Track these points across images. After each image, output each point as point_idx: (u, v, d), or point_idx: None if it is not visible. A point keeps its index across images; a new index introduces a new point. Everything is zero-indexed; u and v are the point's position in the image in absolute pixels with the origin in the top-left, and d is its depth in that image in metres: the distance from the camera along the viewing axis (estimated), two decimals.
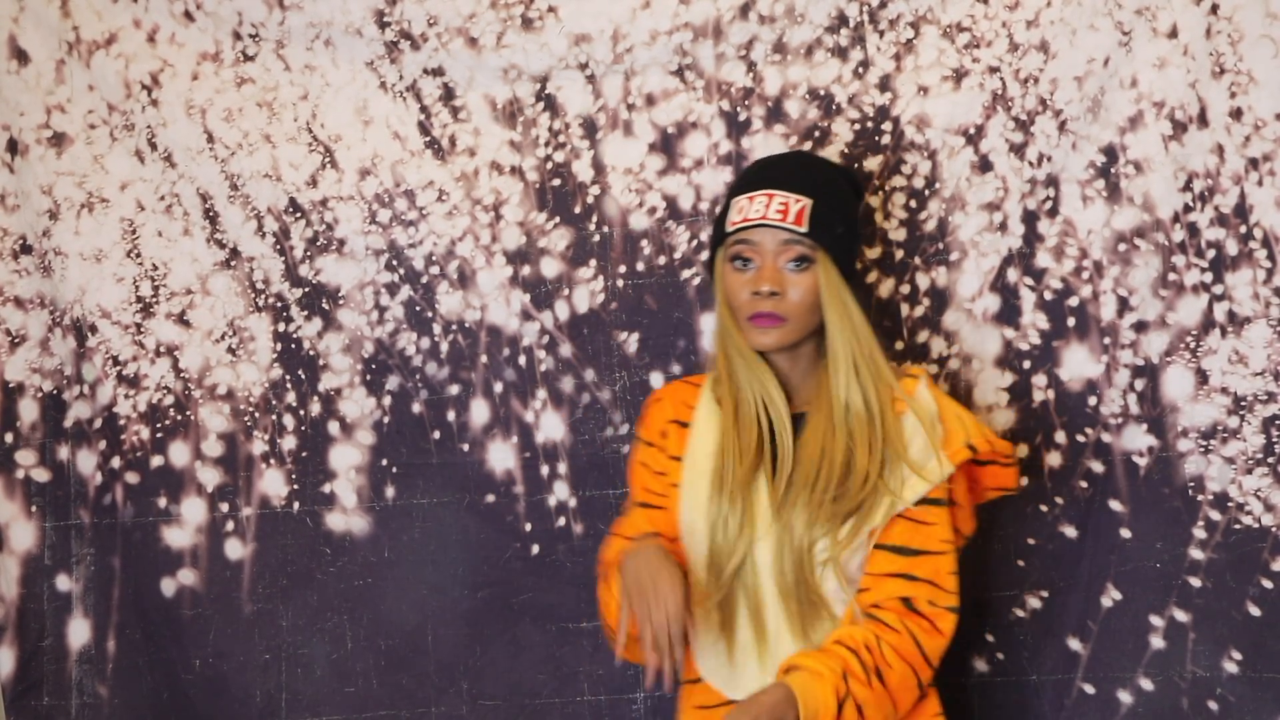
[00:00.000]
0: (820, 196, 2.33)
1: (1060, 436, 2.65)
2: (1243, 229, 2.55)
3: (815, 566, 2.29)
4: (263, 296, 2.81)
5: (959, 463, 2.34)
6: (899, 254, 2.68)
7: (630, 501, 2.47)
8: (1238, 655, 2.60)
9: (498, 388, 2.77)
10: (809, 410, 2.36)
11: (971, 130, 2.65)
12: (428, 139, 2.77)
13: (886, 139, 2.67)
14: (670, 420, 2.45)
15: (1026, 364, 2.65)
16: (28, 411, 2.85)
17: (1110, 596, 2.64)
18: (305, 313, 2.79)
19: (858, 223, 2.44)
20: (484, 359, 2.77)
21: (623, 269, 2.75)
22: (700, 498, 2.35)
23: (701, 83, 2.71)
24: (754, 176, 2.40)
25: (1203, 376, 2.58)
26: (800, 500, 2.30)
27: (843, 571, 2.29)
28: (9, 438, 2.85)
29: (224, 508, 2.82)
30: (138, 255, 2.83)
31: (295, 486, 2.81)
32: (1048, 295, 2.64)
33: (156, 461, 2.83)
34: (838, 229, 2.35)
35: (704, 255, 2.68)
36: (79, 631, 2.84)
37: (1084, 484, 2.64)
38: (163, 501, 2.82)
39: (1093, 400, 2.63)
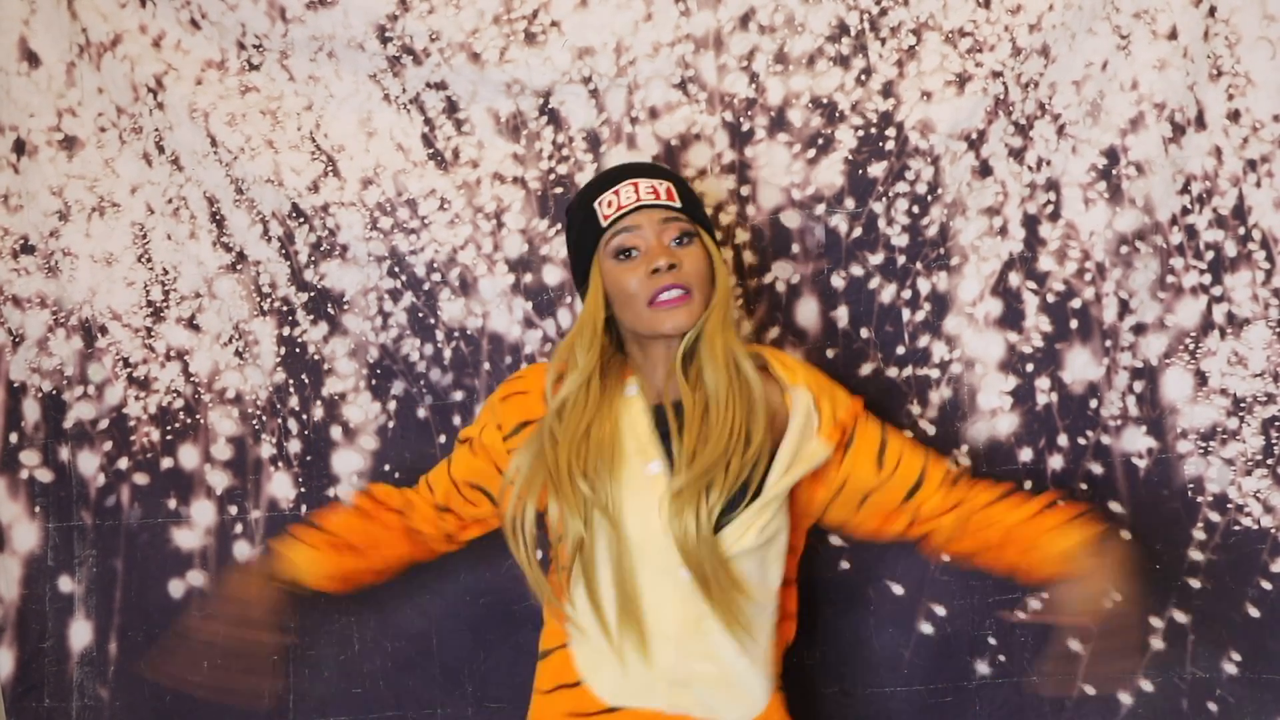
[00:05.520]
0: (677, 181, 2.31)
1: (1063, 440, 2.66)
2: (1241, 231, 2.58)
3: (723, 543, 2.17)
4: (269, 300, 2.80)
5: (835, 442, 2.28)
6: (900, 259, 2.69)
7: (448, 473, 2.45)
8: (1237, 656, 2.62)
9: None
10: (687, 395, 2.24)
11: (974, 135, 2.65)
12: (431, 151, 2.75)
13: (891, 144, 2.68)
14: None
15: (1030, 367, 2.67)
16: (31, 411, 2.83)
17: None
18: (311, 317, 2.78)
19: None
20: (486, 366, 2.76)
21: None
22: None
23: (704, 95, 2.71)
24: (606, 177, 2.32)
25: (1202, 378, 2.61)
26: (713, 480, 2.16)
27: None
28: (14, 438, 2.83)
29: (233, 510, 2.80)
30: (149, 260, 2.81)
31: (302, 489, 2.79)
32: (1050, 298, 2.65)
33: (166, 463, 2.81)
34: (701, 211, 2.31)
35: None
36: (80, 633, 2.81)
37: (1084, 486, 2.66)
38: (172, 503, 2.81)
39: (1093, 403, 2.65)
